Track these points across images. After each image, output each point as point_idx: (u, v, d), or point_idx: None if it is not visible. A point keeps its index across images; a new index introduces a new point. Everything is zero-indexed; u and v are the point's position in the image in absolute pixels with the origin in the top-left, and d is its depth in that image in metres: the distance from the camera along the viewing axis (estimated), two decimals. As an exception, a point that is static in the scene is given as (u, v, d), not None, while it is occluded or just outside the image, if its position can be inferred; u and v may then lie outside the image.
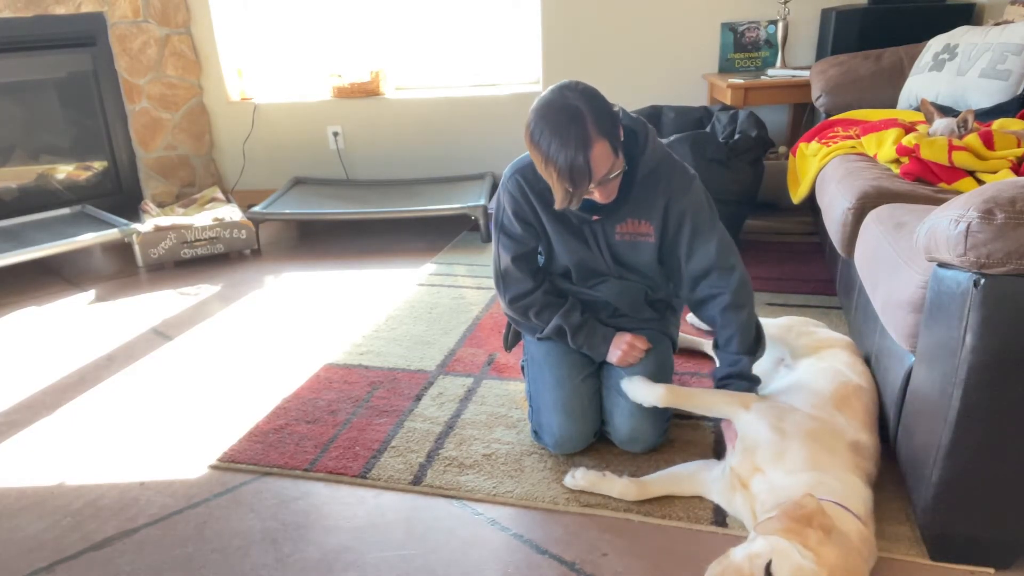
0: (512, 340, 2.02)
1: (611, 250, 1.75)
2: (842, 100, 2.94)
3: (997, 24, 2.61)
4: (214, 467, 1.84)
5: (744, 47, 3.65)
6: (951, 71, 2.61)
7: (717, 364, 1.77)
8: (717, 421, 1.85)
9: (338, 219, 3.56)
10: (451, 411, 2.01)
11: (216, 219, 3.40)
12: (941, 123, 2.17)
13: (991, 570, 1.39)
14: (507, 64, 4.03)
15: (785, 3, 3.39)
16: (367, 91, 4.01)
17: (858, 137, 2.45)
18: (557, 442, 1.75)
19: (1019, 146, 2.01)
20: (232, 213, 3.52)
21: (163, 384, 2.28)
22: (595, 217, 1.70)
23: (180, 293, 3.03)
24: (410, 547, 1.53)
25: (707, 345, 2.23)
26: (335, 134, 4.09)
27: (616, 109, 1.56)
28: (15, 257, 3.04)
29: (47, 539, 1.62)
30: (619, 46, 3.74)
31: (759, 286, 2.60)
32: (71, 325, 2.76)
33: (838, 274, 2.40)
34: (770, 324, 1.95)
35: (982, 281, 1.16)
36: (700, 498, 1.62)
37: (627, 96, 3.57)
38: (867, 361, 1.80)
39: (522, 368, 1.96)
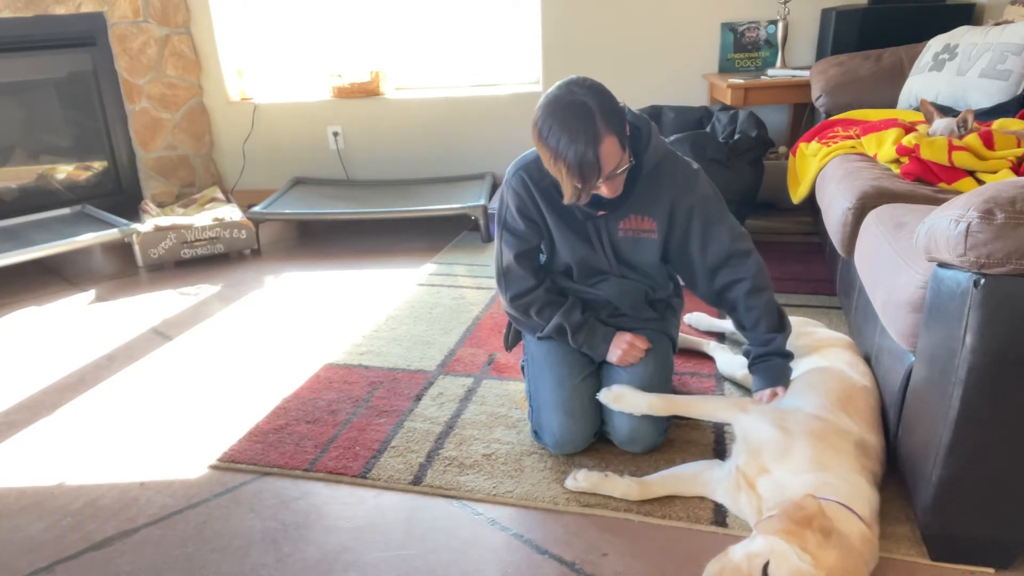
0: (513, 340, 2.02)
1: (613, 247, 1.75)
2: (842, 100, 2.94)
3: (997, 24, 2.61)
4: (214, 467, 1.84)
5: (744, 47, 3.65)
6: (951, 71, 2.61)
7: (747, 346, 1.79)
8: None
9: (338, 219, 3.56)
10: (451, 411, 2.01)
11: (216, 219, 3.40)
12: (941, 123, 2.17)
13: (991, 570, 1.39)
14: (507, 64, 4.03)
15: (785, 3, 3.39)
16: (367, 91, 4.01)
17: (858, 137, 2.45)
18: (557, 442, 1.75)
19: (1019, 146, 2.01)
20: (232, 213, 3.52)
21: (163, 384, 2.28)
22: (601, 212, 1.70)
23: (180, 293, 3.03)
24: (410, 547, 1.53)
25: (707, 345, 2.23)
26: (335, 134, 4.09)
27: (622, 105, 1.56)
28: (15, 257, 3.04)
29: (47, 539, 1.62)
30: (619, 46, 3.74)
31: (759, 286, 2.60)
32: (71, 325, 2.76)
33: (838, 274, 2.40)
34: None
35: (982, 281, 1.16)
36: (700, 498, 1.62)
37: (627, 96, 3.52)
38: (867, 361, 1.80)
39: (522, 368, 1.96)
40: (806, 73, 3.23)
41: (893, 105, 2.86)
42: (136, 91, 3.81)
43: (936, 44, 2.78)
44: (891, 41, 3.09)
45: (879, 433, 1.58)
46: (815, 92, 3.06)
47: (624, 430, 1.74)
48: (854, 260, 1.93)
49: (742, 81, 3.27)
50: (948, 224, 1.19)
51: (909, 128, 2.31)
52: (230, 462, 1.85)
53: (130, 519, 1.67)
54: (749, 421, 1.59)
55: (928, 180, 2.03)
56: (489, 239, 3.42)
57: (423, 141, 4.05)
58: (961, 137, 2.07)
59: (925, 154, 2.03)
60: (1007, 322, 1.15)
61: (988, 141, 2.01)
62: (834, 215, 2.05)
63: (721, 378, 2.10)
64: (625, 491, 1.62)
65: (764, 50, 3.64)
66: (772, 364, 1.73)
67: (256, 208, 3.58)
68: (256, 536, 1.59)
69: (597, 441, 1.81)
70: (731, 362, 2.08)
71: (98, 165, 3.80)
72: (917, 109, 2.59)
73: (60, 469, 1.87)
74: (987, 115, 2.35)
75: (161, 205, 3.83)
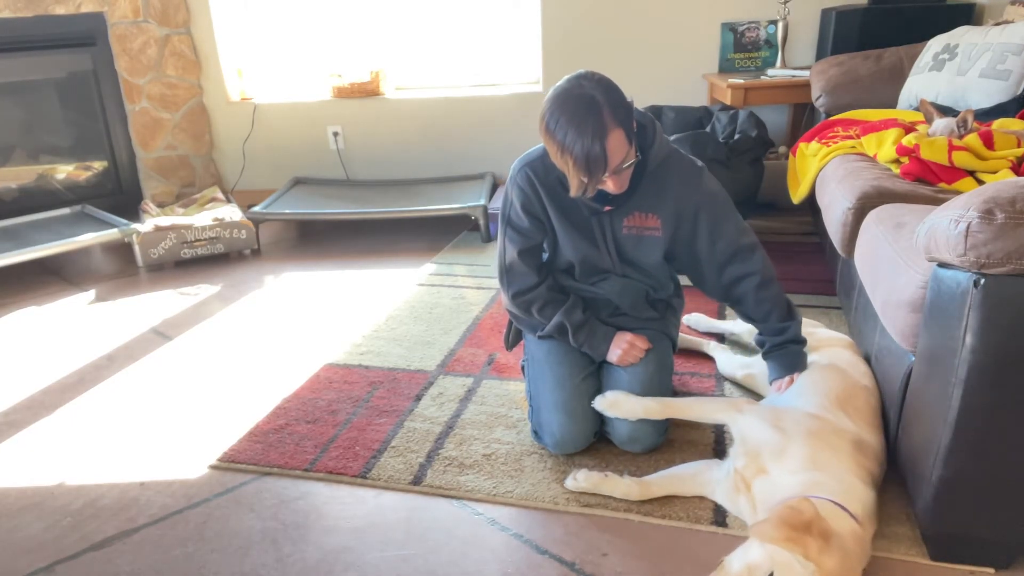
0: (513, 339, 2.02)
1: (617, 245, 1.75)
2: (842, 100, 2.94)
3: (997, 24, 2.61)
4: (214, 467, 1.84)
5: (744, 47, 3.65)
6: (951, 71, 2.61)
7: (759, 336, 1.81)
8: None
9: (338, 219, 3.56)
10: (451, 411, 2.01)
11: (216, 219, 3.40)
12: (941, 123, 2.17)
13: (991, 570, 1.39)
14: (507, 64, 4.04)
15: (785, 3, 3.40)
16: (367, 91, 4.01)
17: (858, 137, 2.45)
18: (557, 442, 1.75)
19: (1019, 146, 2.01)
20: (232, 213, 3.52)
21: (163, 384, 2.28)
22: (607, 208, 1.70)
23: (180, 293, 3.03)
24: (410, 547, 1.53)
25: (707, 345, 2.23)
26: (335, 134, 4.09)
27: (629, 100, 1.57)
28: (15, 257, 3.04)
29: (47, 539, 1.62)
30: (619, 46, 3.74)
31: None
32: (71, 325, 2.76)
33: (838, 274, 2.40)
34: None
35: (982, 281, 1.16)
36: (700, 498, 1.62)
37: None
38: (867, 361, 1.80)
39: (522, 368, 1.96)
40: (806, 73, 3.23)
41: (893, 105, 2.86)
42: (136, 91, 3.81)
43: (936, 44, 2.78)
44: (891, 41, 3.09)
45: (878, 433, 1.58)
46: (815, 92, 3.06)
47: (624, 430, 1.73)
48: (854, 260, 1.93)
49: (742, 81, 3.27)
50: (948, 224, 1.19)
51: (909, 128, 2.31)
52: (230, 462, 1.85)
53: (130, 519, 1.67)
54: (746, 422, 1.59)
55: (928, 180, 2.03)
56: (489, 239, 3.42)
57: (423, 141, 4.05)
58: (961, 137, 2.07)
59: (925, 154, 2.03)
60: (1007, 322, 1.15)
61: (988, 141, 2.01)
62: (834, 215, 2.05)
63: (721, 378, 2.10)
64: (625, 491, 1.62)
65: (764, 50, 3.64)
66: (788, 351, 1.76)
67: (256, 208, 3.58)
68: (256, 536, 1.59)
69: (597, 441, 1.81)
70: (731, 362, 2.08)
71: (98, 165, 3.80)
72: (917, 109, 2.59)
73: (60, 469, 1.87)
74: (987, 115, 2.35)
75: (161, 205, 3.83)
